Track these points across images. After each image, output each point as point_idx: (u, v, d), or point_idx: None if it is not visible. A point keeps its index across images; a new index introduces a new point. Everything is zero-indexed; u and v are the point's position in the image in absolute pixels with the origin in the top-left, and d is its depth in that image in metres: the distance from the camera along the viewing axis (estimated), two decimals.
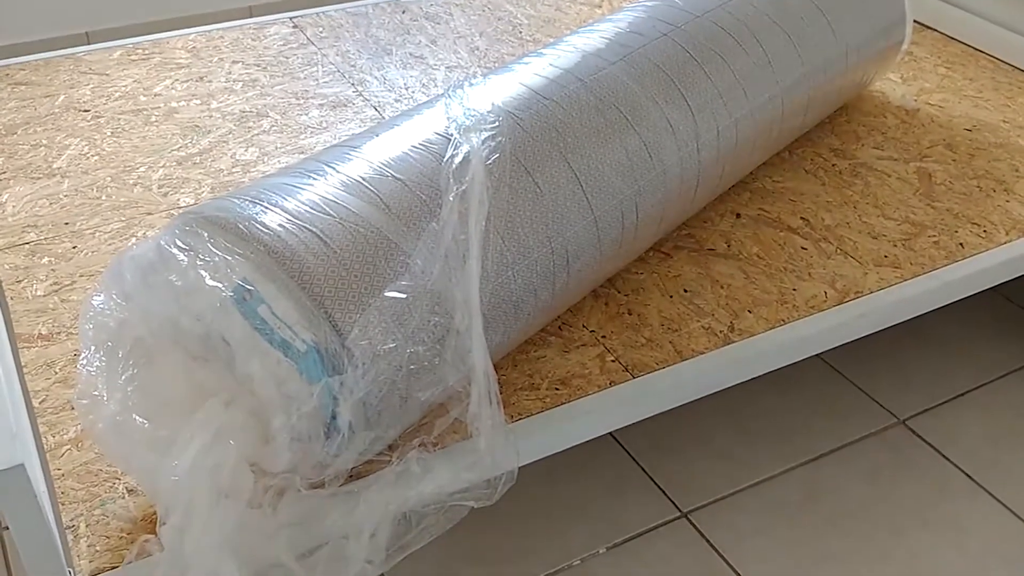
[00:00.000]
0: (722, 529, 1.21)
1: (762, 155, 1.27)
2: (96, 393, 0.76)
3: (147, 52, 1.62)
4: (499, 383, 0.98)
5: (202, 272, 0.75)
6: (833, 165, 1.37)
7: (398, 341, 0.78)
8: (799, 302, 1.13)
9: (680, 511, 1.24)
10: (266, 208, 0.83)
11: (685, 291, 1.14)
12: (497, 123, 0.94)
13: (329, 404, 0.73)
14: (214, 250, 0.77)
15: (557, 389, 1.00)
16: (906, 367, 1.45)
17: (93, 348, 0.78)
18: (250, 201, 0.84)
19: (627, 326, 1.09)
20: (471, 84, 1.02)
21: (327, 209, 0.84)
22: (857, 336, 1.13)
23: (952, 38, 1.74)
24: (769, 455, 1.31)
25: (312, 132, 1.42)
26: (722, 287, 1.15)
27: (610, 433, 1.33)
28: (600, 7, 1.82)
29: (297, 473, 0.74)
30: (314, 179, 0.88)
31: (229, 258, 0.77)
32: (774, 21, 1.20)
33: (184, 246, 0.78)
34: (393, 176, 0.89)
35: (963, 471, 1.29)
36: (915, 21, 1.68)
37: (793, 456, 1.31)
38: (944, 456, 1.31)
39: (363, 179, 0.88)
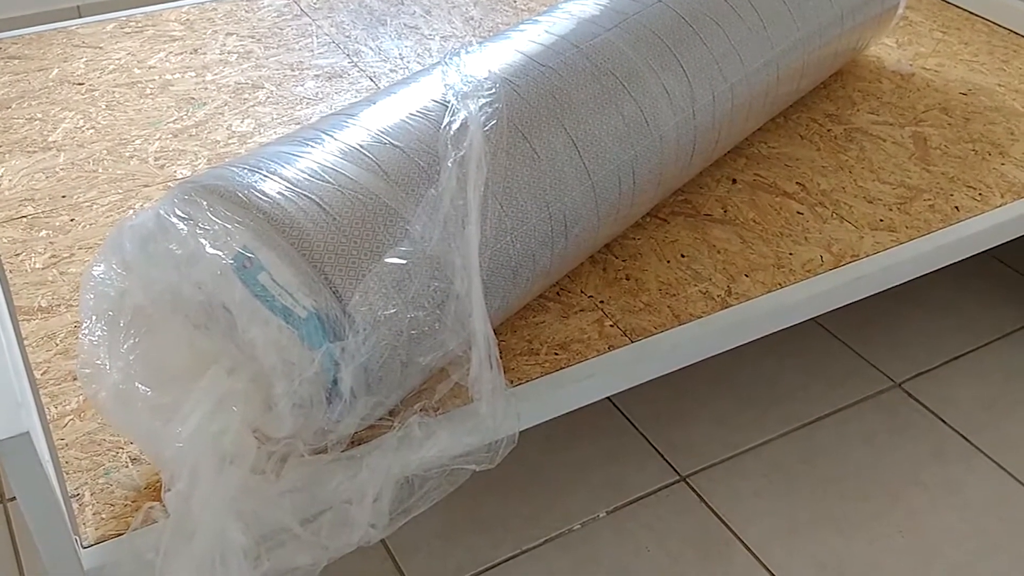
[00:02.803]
0: (721, 492, 1.22)
1: (757, 120, 1.27)
2: (99, 362, 0.76)
3: (140, 25, 1.61)
4: (499, 348, 0.99)
5: (202, 240, 0.76)
6: (828, 130, 1.37)
7: (398, 306, 0.78)
8: (795, 266, 1.13)
9: (679, 475, 1.25)
10: (265, 176, 0.83)
11: (682, 256, 1.15)
12: (494, 90, 0.94)
13: (331, 370, 0.74)
14: (213, 218, 0.77)
15: (556, 354, 1.01)
16: (902, 331, 1.46)
17: (94, 318, 0.78)
18: (249, 169, 0.84)
19: (625, 291, 1.09)
20: (467, 52, 1.02)
21: (326, 176, 0.84)
22: (853, 299, 1.14)
23: (948, 2, 1.73)
24: (767, 419, 1.32)
25: (308, 103, 1.42)
26: (719, 252, 1.15)
27: (609, 399, 1.35)
28: None
29: (299, 439, 0.74)
30: (312, 147, 0.88)
31: (229, 226, 0.77)
32: None
33: (183, 215, 0.78)
34: (391, 143, 0.89)
35: (959, 433, 1.30)
36: None
37: (791, 420, 1.32)
38: (940, 418, 1.33)
39: (361, 146, 0.88)
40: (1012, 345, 1.44)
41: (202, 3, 1.68)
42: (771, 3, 1.19)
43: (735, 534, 1.18)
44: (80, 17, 2.18)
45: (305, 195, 0.82)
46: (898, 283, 1.17)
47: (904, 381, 1.38)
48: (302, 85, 1.46)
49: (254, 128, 1.35)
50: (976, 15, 1.68)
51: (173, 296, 0.76)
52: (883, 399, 1.35)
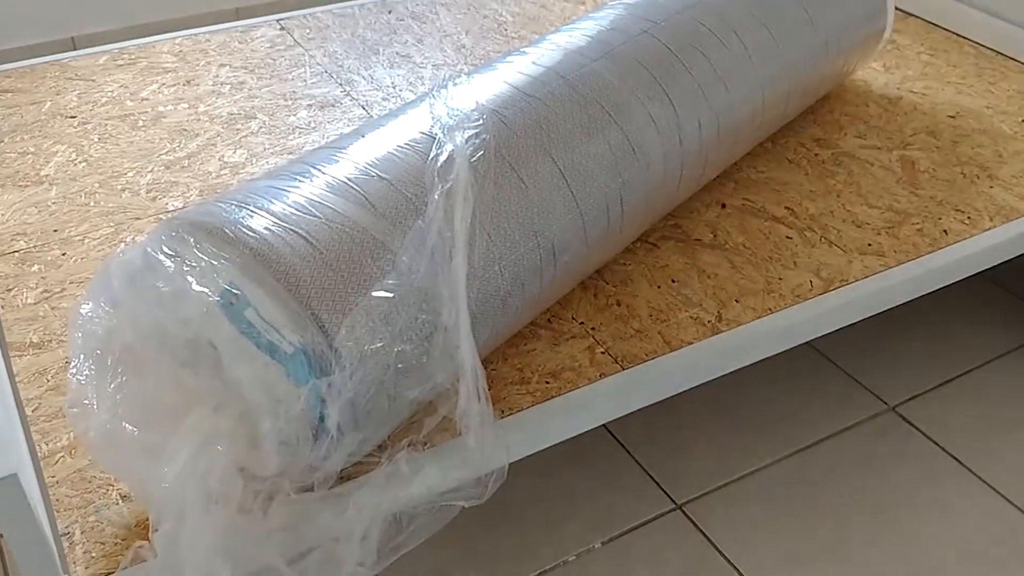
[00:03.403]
0: (716, 520, 1.22)
1: (745, 146, 1.28)
2: (87, 402, 0.76)
3: (133, 57, 1.62)
4: (489, 377, 0.99)
5: (188, 278, 0.76)
6: (816, 155, 1.38)
7: (385, 340, 0.79)
8: (785, 291, 1.13)
9: (674, 503, 1.25)
10: (252, 211, 0.83)
11: (673, 281, 1.15)
12: (481, 121, 0.95)
13: (317, 406, 0.74)
14: (200, 255, 0.78)
15: (547, 382, 1.01)
16: (894, 353, 1.46)
17: (82, 357, 0.78)
18: (236, 205, 0.84)
19: (616, 317, 1.09)
20: (455, 83, 1.03)
21: (313, 210, 0.84)
22: (843, 324, 1.14)
23: (935, 24, 1.74)
24: (762, 444, 1.32)
25: (300, 132, 1.42)
26: (709, 277, 1.15)
27: (603, 425, 1.34)
28: (584, 3, 1.83)
29: (286, 477, 0.74)
30: (300, 181, 0.89)
31: (215, 263, 0.77)
32: (753, 15, 1.21)
33: (170, 252, 0.79)
34: (379, 175, 0.89)
35: (953, 456, 1.30)
36: (897, 8, 1.70)
37: (786, 445, 1.32)
38: (934, 442, 1.32)
39: (349, 179, 0.88)
40: (1005, 366, 1.44)
41: (195, 35, 1.69)
42: (755, 32, 1.20)
43: (732, 563, 1.17)
44: (75, 48, 2.19)
45: (292, 230, 0.82)
46: (888, 307, 1.17)
47: (898, 404, 1.38)
48: (295, 115, 1.47)
49: (246, 158, 1.36)
50: (963, 37, 1.70)
51: (160, 334, 0.77)
52: (877, 423, 1.35)
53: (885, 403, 1.38)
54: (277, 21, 1.75)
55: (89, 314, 0.80)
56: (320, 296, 0.78)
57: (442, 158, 0.90)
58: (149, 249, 0.80)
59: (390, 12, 1.79)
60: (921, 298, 1.20)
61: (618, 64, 1.08)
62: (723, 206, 1.27)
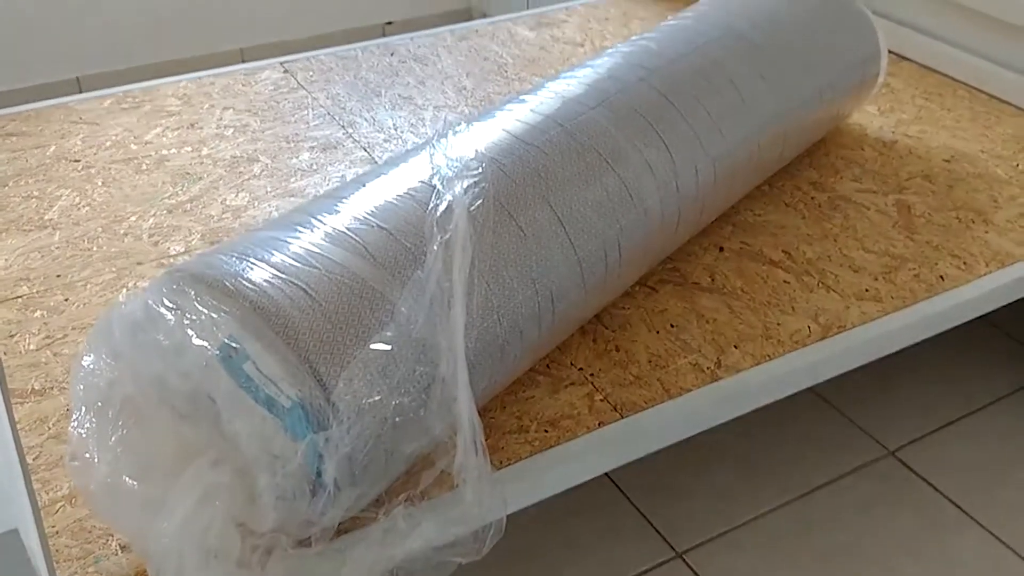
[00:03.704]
0: (717, 569, 1.22)
1: (742, 190, 1.29)
2: (87, 455, 0.77)
3: (138, 100, 1.64)
4: (488, 426, 0.99)
5: (189, 331, 0.77)
6: (812, 198, 1.39)
7: (383, 393, 0.79)
8: (783, 337, 1.14)
9: (675, 551, 1.24)
10: (253, 263, 0.84)
11: (672, 326, 1.15)
12: (480, 169, 0.96)
13: (314, 461, 0.74)
14: (200, 308, 0.79)
15: (546, 431, 1.01)
16: (894, 396, 1.46)
17: (84, 409, 0.79)
18: (237, 256, 0.85)
19: (615, 363, 1.10)
20: (455, 132, 1.04)
21: (313, 261, 0.85)
22: (842, 371, 1.15)
23: (929, 68, 1.76)
24: (762, 490, 1.32)
25: (302, 175, 1.44)
26: (708, 322, 1.16)
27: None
28: (582, 46, 1.85)
29: (284, 531, 0.74)
30: (301, 231, 0.90)
31: (215, 316, 0.78)
32: (747, 63, 1.22)
33: (171, 304, 0.79)
34: (378, 225, 0.90)
35: (952, 502, 1.30)
36: (891, 52, 1.71)
37: (786, 491, 1.32)
38: (933, 487, 1.32)
39: (349, 229, 0.89)
40: (1004, 409, 1.44)
41: (200, 78, 1.72)
42: (750, 80, 1.22)
43: None
44: (80, 88, 2.22)
45: (292, 281, 0.83)
46: (885, 354, 1.17)
47: (897, 449, 1.38)
48: (297, 157, 1.48)
49: (248, 201, 1.37)
50: (958, 81, 1.71)
51: (160, 386, 0.77)
52: (877, 468, 1.35)
53: (885, 448, 1.38)
54: (281, 64, 1.77)
55: (91, 366, 0.80)
56: (318, 349, 0.78)
57: (441, 208, 0.91)
58: (150, 301, 0.80)
59: (392, 54, 1.81)
60: (919, 341, 1.20)
61: (615, 112, 1.10)
62: (721, 249, 1.28)
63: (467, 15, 2.65)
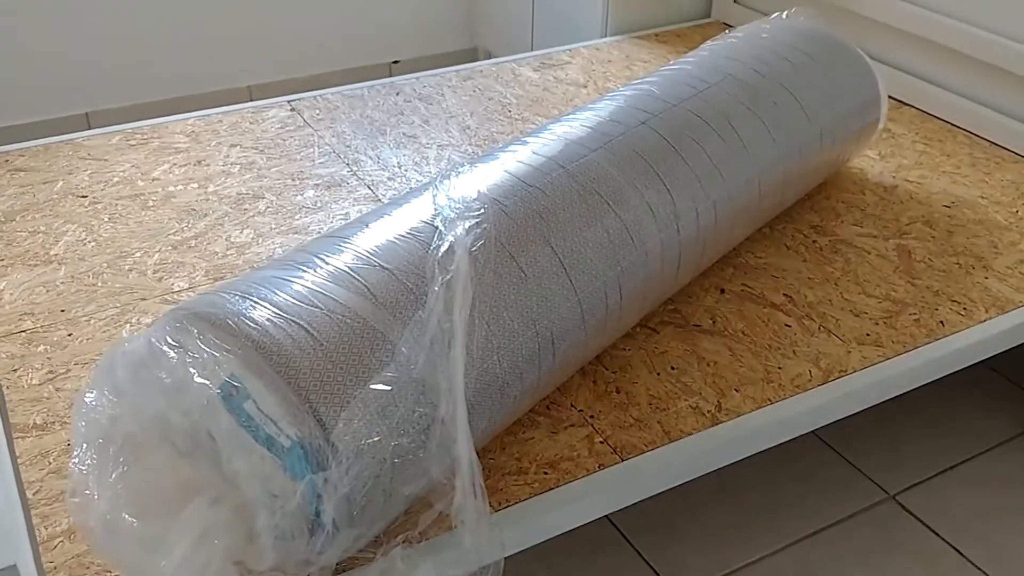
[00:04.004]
0: None
1: (742, 233, 1.30)
2: (87, 492, 0.77)
3: (146, 137, 1.65)
4: (487, 467, 0.99)
5: (191, 369, 0.77)
6: (814, 242, 1.40)
7: (382, 434, 0.79)
8: (784, 381, 1.14)
9: None
10: (255, 302, 0.85)
11: (672, 368, 1.16)
12: (482, 210, 0.97)
13: (313, 501, 0.74)
14: (203, 346, 0.79)
15: (546, 473, 1.01)
16: (895, 440, 1.46)
17: (85, 446, 0.79)
18: (240, 296, 0.86)
19: (615, 405, 1.10)
20: (458, 173, 1.05)
21: (315, 301, 0.86)
22: (843, 416, 1.15)
23: (929, 114, 1.78)
24: (763, 533, 1.31)
25: (307, 212, 1.45)
26: (708, 364, 1.16)
27: None
28: (585, 88, 1.87)
29: (282, 571, 0.74)
30: (303, 271, 0.90)
31: (217, 354, 0.78)
32: (748, 108, 1.24)
33: (174, 343, 0.80)
34: (380, 265, 0.91)
35: (953, 547, 1.29)
36: (891, 98, 1.73)
37: (787, 534, 1.31)
38: (934, 532, 1.31)
39: (351, 269, 0.90)
40: (1005, 454, 1.43)
41: (207, 115, 1.74)
42: (750, 124, 1.23)
43: None
44: (89, 124, 2.25)
45: (294, 321, 0.83)
46: (886, 399, 1.17)
47: (898, 493, 1.37)
48: (302, 194, 1.50)
49: (252, 238, 1.38)
50: (957, 127, 1.73)
51: (161, 424, 0.78)
52: (877, 512, 1.34)
53: (885, 492, 1.38)
54: (288, 102, 1.80)
55: (93, 402, 0.81)
56: (319, 389, 0.79)
57: (443, 248, 0.92)
58: (153, 339, 0.81)
59: (398, 94, 1.83)
60: (922, 386, 1.20)
61: (616, 154, 1.11)
62: (722, 292, 1.29)
63: (473, 55, 2.68)
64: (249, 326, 0.81)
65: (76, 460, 0.80)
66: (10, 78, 2.17)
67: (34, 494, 0.96)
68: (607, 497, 1.01)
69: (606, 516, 1.33)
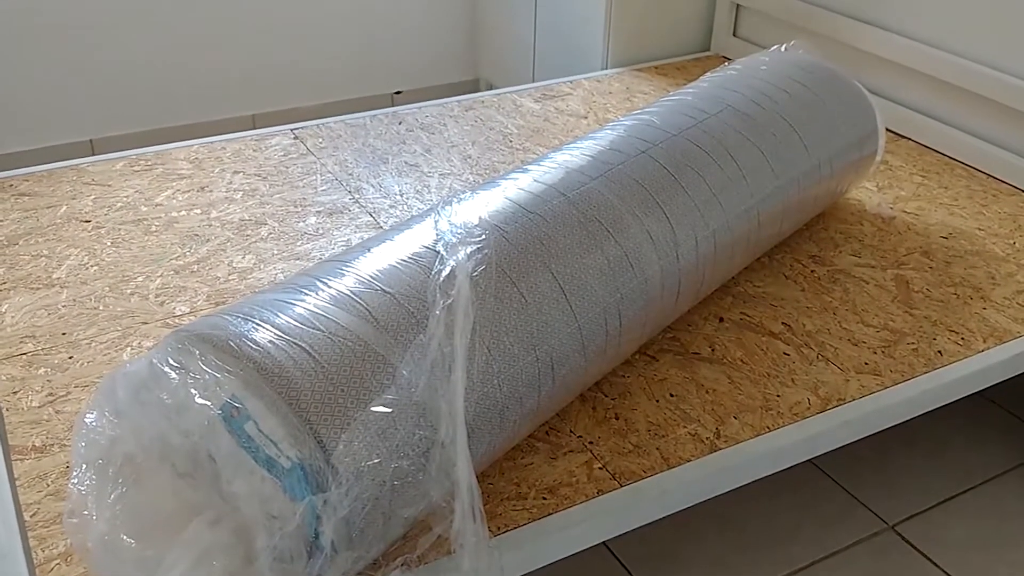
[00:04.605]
0: None
1: (741, 262, 1.31)
2: (86, 512, 0.77)
3: (150, 163, 1.67)
4: (486, 492, 0.99)
5: (192, 390, 0.77)
6: (812, 271, 1.41)
7: (382, 456, 0.79)
8: (783, 408, 1.14)
9: None
10: (257, 324, 0.85)
11: (671, 395, 1.16)
12: (484, 236, 0.98)
13: (312, 523, 0.74)
14: (204, 368, 0.79)
15: (544, 498, 1.01)
16: (893, 470, 1.46)
17: (84, 466, 0.79)
18: (242, 318, 0.86)
19: (614, 431, 1.10)
20: (459, 200, 1.06)
21: (316, 323, 0.86)
22: (841, 444, 1.15)
23: (927, 147, 1.79)
24: (762, 564, 1.30)
25: (309, 238, 1.46)
26: (707, 392, 1.17)
27: None
28: (585, 118, 1.89)
29: None
30: (306, 294, 0.91)
31: (219, 375, 0.79)
32: (747, 138, 1.25)
33: (176, 364, 0.80)
34: (382, 289, 0.91)
35: None
36: (889, 130, 1.75)
37: (785, 564, 1.30)
38: (933, 562, 1.31)
39: (352, 293, 0.91)
40: (1004, 486, 1.43)
41: (211, 142, 1.75)
42: (750, 154, 1.24)
43: None
44: (93, 151, 2.26)
45: (295, 343, 0.84)
46: (884, 427, 1.17)
47: (896, 523, 1.37)
48: (304, 221, 1.51)
49: (254, 264, 1.39)
50: (955, 160, 1.75)
51: (162, 444, 0.78)
52: (875, 542, 1.34)
53: (884, 522, 1.37)
54: (291, 130, 1.81)
55: (93, 423, 0.81)
56: (320, 410, 0.79)
57: (444, 273, 0.92)
58: (155, 360, 0.81)
59: (400, 123, 1.85)
60: (920, 415, 1.21)
61: (617, 183, 1.12)
62: (721, 320, 1.29)
63: (475, 87, 2.71)
64: (251, 347, 0.82)
65: (75, 481, 0.80)
66: (16, 105, 2.19)
67: (31, 516, 0.96)
68: (606, 523, 1.01)
69: (604, 543, 1.33)
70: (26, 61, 2.16)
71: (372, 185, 1.62)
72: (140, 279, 1.35)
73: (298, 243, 1.45)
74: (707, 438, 1.10)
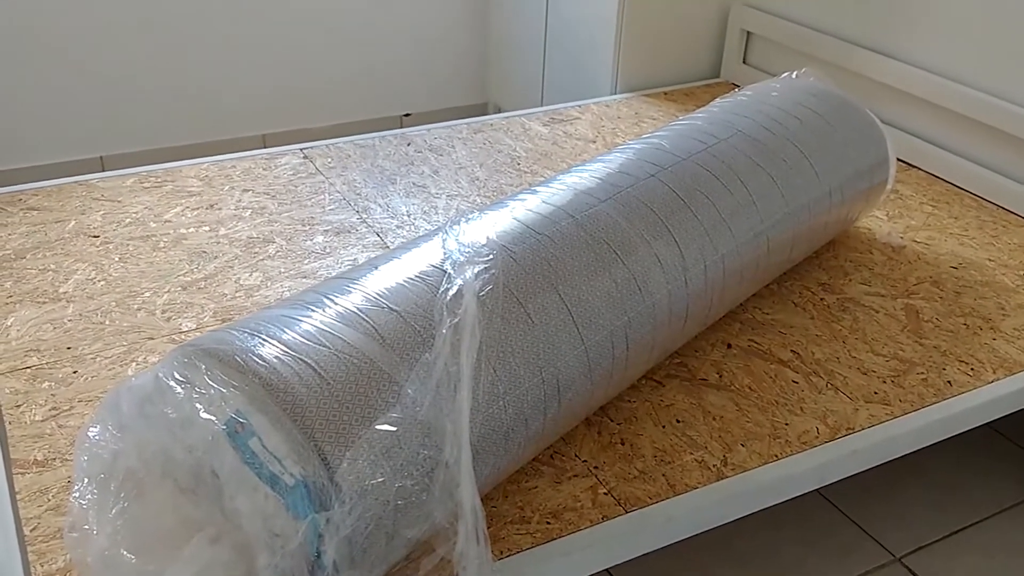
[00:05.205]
0: None
1: (750, 288, 1.30)
2: (87, 527, 0.76)
3: (160, 180, 1.67)
4: (489, 515, 0.98)
5: (197, 405, 0.77)
6: (821, 299, 1.40)
7: (386, 475, 0.79)
8: (791, 437, 1.13)
9: None
10: (264, 340, 0.85)
11: (678, 421, 1.15)
12: (491, 256, 0.98)
13: (314, 541, 0.74)
14: (210, 382, 0.79)
15: (548, 523, 1.00)
16: (901, 502, 1.44)
17: (86, 480, 0.79)
18: (249, 333, 0.86)
19: (620, 456, 1.09)
20: (468, 220, 1.06)
21: (323, 340, 0.86)
22: (850, 473, 1.14)
23: (937, 176, 1.79)
24: None
25: (316, 257, 1.46)
26: (715, 419, 1.15)
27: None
28: (594, 143, 1.89)
29: None
30: (312, 310, 0.91)
31: (224, 390, 0.78)
32: (757, 164, 1.25)
33: (181, 378, 0.80)
34: (389, 307, 0.91)
35: None
36: (900, 160, 1.75)
37: None
38: None
39: (359, 310, 0.90)
40: (1013, 519, 1.41)
41: (221, 161, 1.76)
42: (759, 179, 1.24)
43: None
44: (103, 167, 2.27)
45: (301, 359, 0.83)
46: (893, 457, 1.16)
47: (904, 556, 1.35)
48: (311, 239, 1.51)
49: (261, 281, 1.39)
50: (965, 190, 1.74)
51: (165, 459, 0.77)
52: (883, 574, 1.32)
53: (891, 554, 1.35)
54: (301, 150, 1.82)
55: (96, 437, 0.80)
56: (324, 428, 0.78)
57: (451, 292, 0.92)
58: (161, 375, 0.81)
59: (409, 144, 1.86)
60: (928, 446, 1.19)
61: (626, 205, 1.12)
62: (729, 346, 1.29)
63: (483, 110, 2.72)
64: (257, 363, 0.81)
65: (76, 495, 0.79)
66: (27, 121, 2.20)
67: (31, 531, 0.95)
68: (610, 550, 1.00)
69: (607, 570, 1.31)
70: (39, 77, 2.17)
71: (380, 205, 1.62)
72: (147, 295, 1.34)
73: (305, 261, 1.45)
74: (714, 465, 1.08)
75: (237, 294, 1.36)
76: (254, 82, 2.41)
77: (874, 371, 1.25)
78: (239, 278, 1.39)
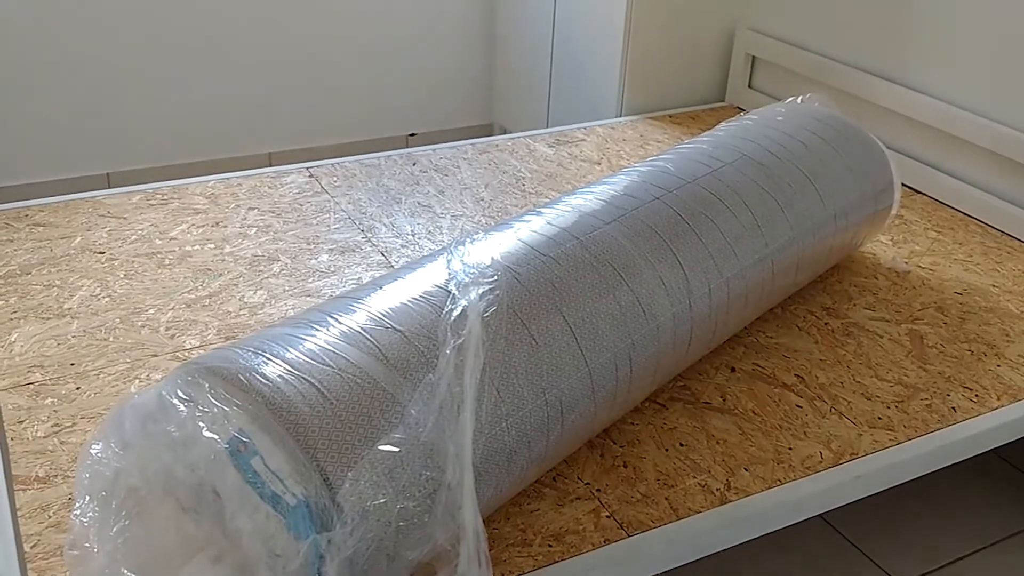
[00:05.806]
0: None
1: (754, 311, 1.30)
2: (87, 544, 0.76)
3: (166, 197, 1.68)
4: (491, 537, 0.98)
5: (200, 423, 0.77)
6: (826, 324, 1.40)
7: (388, 496, 0.78)
8: (795, 461, 1.13)
9: None
10: (268, 359, 0.85)
11: (681, 445, 1.15)
12: (496, 277, 0.98)
13: (315, 562, 0.73)
14: (213, 401, 0.79)
15: (550, 546, 0.99)
16: (906, 527, 1.43)
17: (88, 498, 0.79)
18: (252, 352, 0.86)
19: (622, 479, 1.09)
20: (473, 240, 1.06)
21: (327, 360, 0.86)
22: (853, 499, 1.13)
23: (941, 203, 1.79)
24: None
25: (320, 275, 1.46)
26: (718, 442, 1.15)
27: None
28: (599, 164, 1.90)
29: None
30: (316, 329, 0.91)
31: (227, 409, 0.78)
32: (763, 188, 1.25)
33: (185, 396, 0.80)
34: (393, 327, 0.91)
35: None
36: (905, 185, 1.75)
37: None
38: None
39: (363, 329, 0.90)
40: (1017, 546, 1.40)
41: (227, 178, 1.76)
42: (765, 203, 1.24)
43: None
44: (109, 184, 2.28)
45: (305, 378, 0.83)
46: (897, 483, 1.16)
47: None
48: (316, 258, 1.51)
49: (266, 299, 1.39)
50: (969, 216, 1.74)
51: (167, 477, 0.77)
52: None
53: None
54: (306, 168, 1.82)
55: (98, 455, 0.80)
56: (327, 447, 0.78)
57: (456, 313, 0.92)
58: (164, 392, 0.81)
59: (414, 164, 1.86)
60: (932, 472, 1.19)
61: (630, 228, 1.12)
62: (733, 370, 1.28)
63: (489, 131, 2.73)
64: (260, 382, 0.81)
65: (78, 512, 0.79)
66: (34, 136, 2.21)
67: (32, 547, 0.95)
68: (612, 573, 0.99)
69: None
70: (46, 94, 2.19)
71: (385, 224, 1.62)
72: (151, 312, 1.35)
73: (309, 280, 1.45)
74: (717, 489, 1.08)
75: (241, 312, 1.36)
76: (261, 101, 2.43)
77: (878, 396, 1.24)
78: (243, 296, 1.40)
